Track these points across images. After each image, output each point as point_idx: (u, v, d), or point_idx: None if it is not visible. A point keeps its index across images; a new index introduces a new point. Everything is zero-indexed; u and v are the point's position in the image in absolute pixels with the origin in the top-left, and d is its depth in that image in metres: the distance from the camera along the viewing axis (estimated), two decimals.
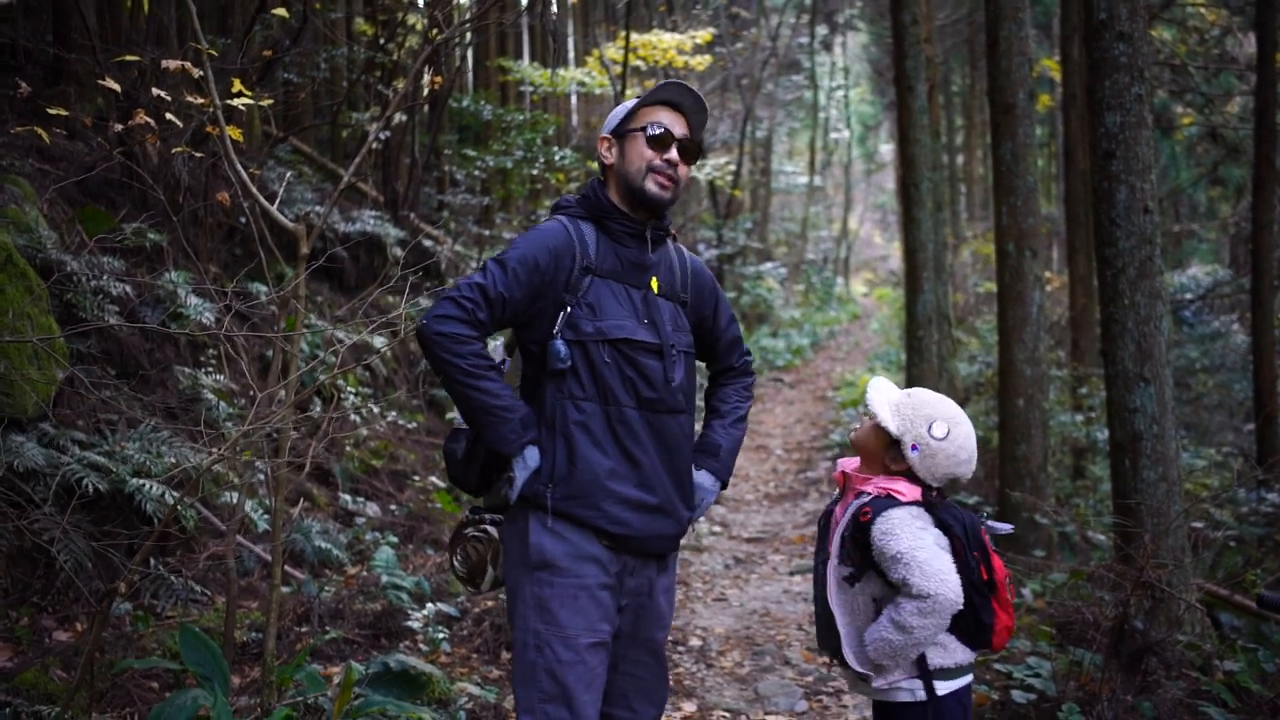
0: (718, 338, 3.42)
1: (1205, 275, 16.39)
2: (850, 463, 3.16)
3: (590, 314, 3.04)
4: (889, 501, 2.93)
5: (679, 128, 3.16)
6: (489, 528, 3.18)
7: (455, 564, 3.25)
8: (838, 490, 3.16)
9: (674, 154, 3.13)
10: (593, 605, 3.01)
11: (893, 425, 2.97)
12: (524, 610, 3.03)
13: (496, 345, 3.37)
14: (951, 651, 2.96)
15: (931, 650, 2.92)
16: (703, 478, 3.32)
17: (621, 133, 3.18)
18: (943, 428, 2.97)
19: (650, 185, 3.11)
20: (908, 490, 2.95)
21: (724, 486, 3.41)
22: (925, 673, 2.93)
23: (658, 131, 3.11)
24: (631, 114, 3.18)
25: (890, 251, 44.95)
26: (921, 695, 2.94)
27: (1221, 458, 11.63)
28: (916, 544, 2.83)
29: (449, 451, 3.22)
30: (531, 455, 3.04)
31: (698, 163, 3.26)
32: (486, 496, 3.24)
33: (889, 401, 3.04)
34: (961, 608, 2.84)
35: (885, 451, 3.01)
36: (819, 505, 10.26)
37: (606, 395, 3.03)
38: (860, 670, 2.96)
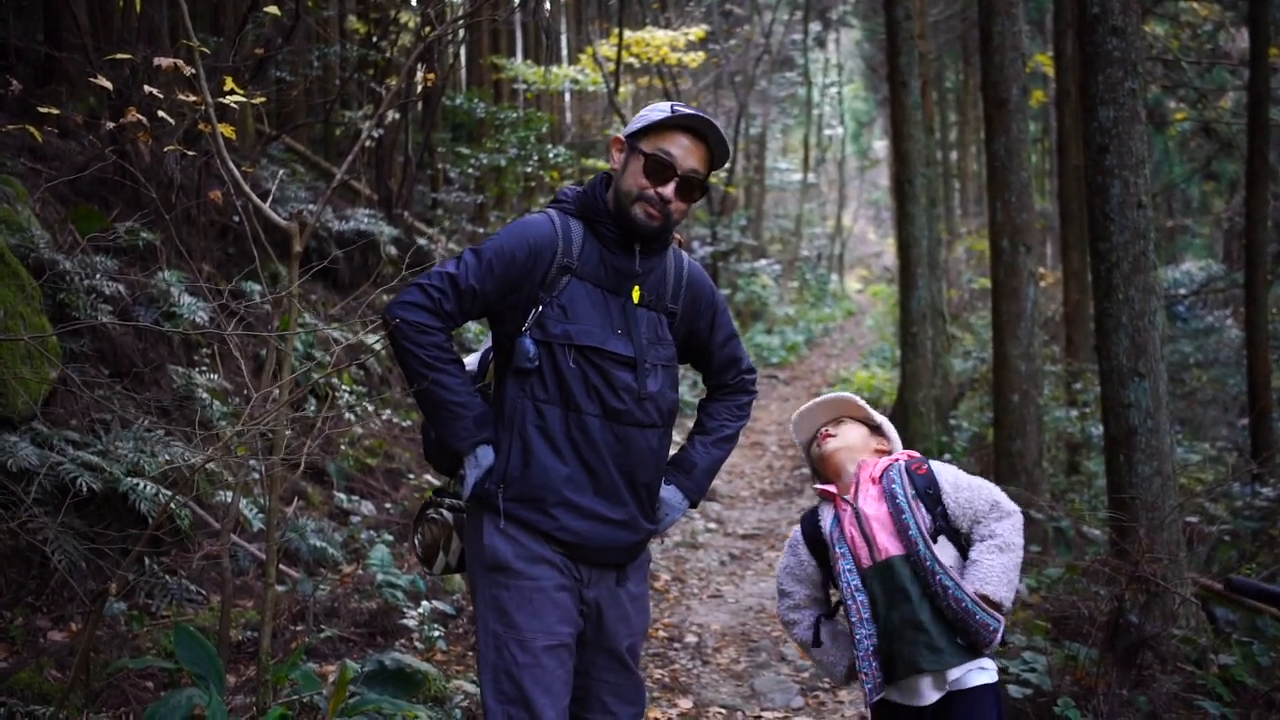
0: (712, 353, 3.30)
1: (1199, 270, 16.40)
2: (829, 487, 3.17)
3: (561, 316, 2.96)
4: (915, 457, 3.10)
5: (691, 159, 3.01)
6: (445, 511, 3.15)
7: (415, 542, 3.24)
8: (831, 512, 3.13)
9: (669, 190, 3.00)
10: (549, 607, 2.95)
11: (874, 414, 3.27)
12: (483, 611, 3.01)
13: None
14: None
15: None
16: (670, 493, 3.21)
17: (634, 145, 3.05)
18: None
19: (637, 212, 3.00)
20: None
21: (693, 505, 3.30)
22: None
23: (663, 159, 2.98)
24: (651, 130, 3.04)
25: (884, 248, 44.96)
26: (994, 676, 2.96)
27: (1215, 452, 11.64)
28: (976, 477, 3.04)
29: (425, 429, 3.19)
30: (484, 454, 2.99)
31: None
32: (455, 480, 3.22)
33: (860, 403, 3.29)
34: None
35: (870, 439, 3.22)
36: (814, 502, 10.23)
37: (569, 400, 2.95)
38: (998, 626, 2.88)
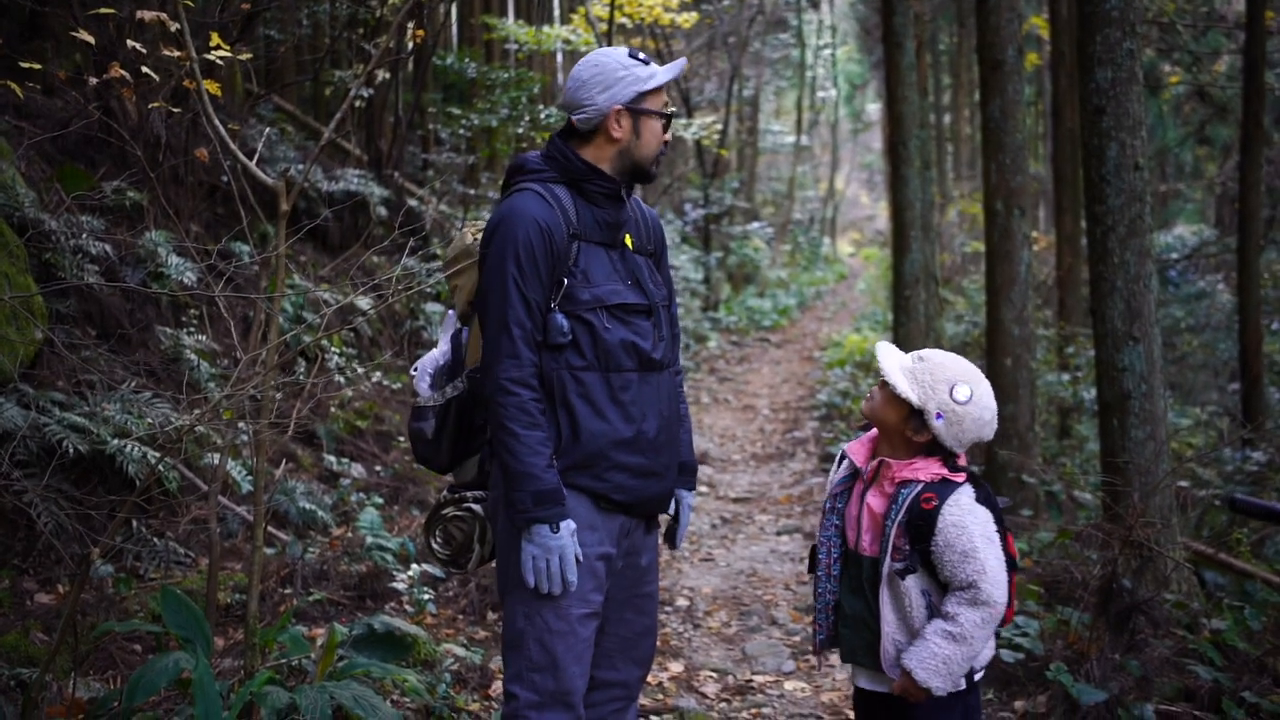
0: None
1: (1191, 235, 16.40)
2: (859, 447, 2.96)
3: (585, 281, 2.97)
4: (949, 486, 2.78)
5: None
6: (473, 505, 3.11)
7: (435, 546, 3.17)
8: (846, 472, 2.97)
9: (669, 134, 3.12)
10: (587, 575, 2.98)
11: (913, 395, 2.77)
12: (515, 577, 2.97)
13: (449, 315, 3.26)
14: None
15: None
16: (683, 495, 3.36)
17: (636, 109, 3.01)
18: (965, 390, 2.78)
19: (655, 165, 3.09)
20: (956, 472, 2.81)
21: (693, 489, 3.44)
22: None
23: (669, 112, 3.08)
24: (650, 93, 3.03)
25: (877, 212, 44.90)
26: (961, 684, 2.79)
27: (1206, 417, 11.67)
28: (988, 541, 2.71)
29: (416, 431, 3.13)
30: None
31: (684, 121, 3.18)
32: (458, 474, 3.19)
33: (902, 368, 2.82)
34: None
35: (905, 423, 2.82)
36: (806, 465, 10.25)
37: (608, 362, 2.96)
38: (890, 674, 2.81)
